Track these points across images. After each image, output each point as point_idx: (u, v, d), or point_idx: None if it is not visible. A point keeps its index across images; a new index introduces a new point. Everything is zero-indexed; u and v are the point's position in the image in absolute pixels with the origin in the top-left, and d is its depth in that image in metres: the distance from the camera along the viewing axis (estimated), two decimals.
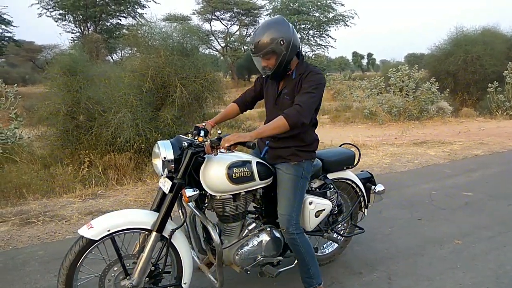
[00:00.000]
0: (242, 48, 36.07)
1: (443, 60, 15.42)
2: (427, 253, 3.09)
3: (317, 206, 2.47)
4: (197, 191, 2.07)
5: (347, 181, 2.87)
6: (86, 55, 7.68)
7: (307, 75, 2.24)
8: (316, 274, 2.40)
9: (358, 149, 2.98)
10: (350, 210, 2.90)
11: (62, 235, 3.54)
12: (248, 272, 2.35)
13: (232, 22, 34.72)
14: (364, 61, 64.89)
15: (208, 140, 2.10)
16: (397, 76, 12.76)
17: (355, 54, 63.71)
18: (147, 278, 2.07)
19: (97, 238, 1.95)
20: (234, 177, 2.15)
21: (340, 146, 3.13)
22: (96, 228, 1.95)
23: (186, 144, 2.06)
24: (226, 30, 34.97)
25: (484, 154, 6.96)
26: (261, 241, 2.36)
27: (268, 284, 2.65)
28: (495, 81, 12.92)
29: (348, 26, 32.98)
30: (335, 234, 2.79)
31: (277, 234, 2.41)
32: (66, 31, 25.66)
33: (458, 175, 5.50)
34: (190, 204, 2.24)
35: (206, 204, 2.26)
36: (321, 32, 33.86)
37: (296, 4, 31.15)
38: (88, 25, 25.54)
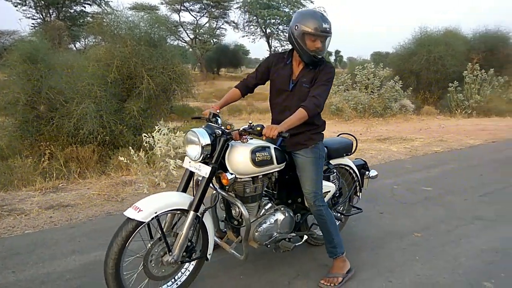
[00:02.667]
0: (212, 41, 35.69)
1: (407, 59, 15.90)
2: (388, 246, 3.20)
3: (324, 188, 2.72)
4: (234, 174, 2.31)
5: (346, 167, 3.17)
6: (47, 43, 7.34)
7: (324, 68, 2.48)
8: (339, 244, 2.65)
9: (355, 138, 3.25)
10: (349, 193, 3.22)
11: (21, 230, 3.39)
12: (268, 246, 2.61)
13: (202, 14, 34.21)
14: (332, 58, 65.91)
15: (240, 128, 2.32)
16: (363, 74, 13.05)
17: None
18: (184, 253, 2.26)
19: (146, 220, 2.07)
20: (257, 160, 2.37)
21: (338, 136, 3.31)
22: (144, 211, 2.07)
23: (219, 132, 2.25)
24: (196, 21, 34.43)
25: (443, 150, 7.27)
26: (277, 219, 2.62)
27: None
28: (455, 81, 13.49)
29: None
30: (338, 214, 3.13)
31: (290, 213, 2.69)
32: (26, 17, 24.47)
33: (418, 171, 5.72)
34: (216, 186, 2.47)
35: (228, 187, 2.42)
36: None
37: None
38: (50, 11, 24.45)
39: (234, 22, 35.06)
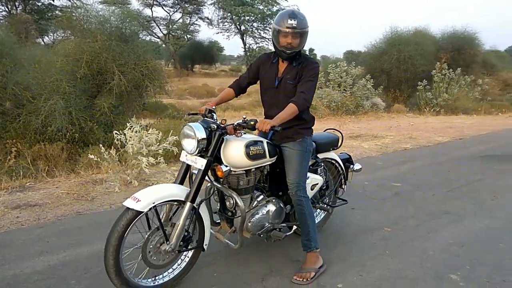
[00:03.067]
0: (185, 37, 35.28)
1: (378, 58, 16.25)
2: (359, 241, 3.26)
3: (312, 181, 2.93)
4: (228, 167, 2.42)
5: (332, 161, 3.33)
6: (13, 37, 7.07)
7: (307, 65, 2.62)
8: (315, 238, 2.73)
9: (341, 133, 3.45)
10: (335, 186, 3.38)
11: None
12: (261, 236, 2.73)
13: (175, 9, 33.76)
14: None
15: (234, 123, 2.43)
16: (336, 72, 13.24)
17: None
18: (181, 242, 2.37)
19: (145, 210, 2.16)
20: (250, 154, 2.48)
21: (324, 131, 3.44)
22: (143, 201, 2.16)
23: (215, 127, 2.36)
24: (169, 17, 33.95)
25: (413, 147, 7.48)
26: (268, 210, 2.74)
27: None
28: (424, 80, 13.90)
29: None
30: (325, 205, 3.31)
31: (281, 204, 2.82)
32: None
33: (388, 167, 5.86)
34: (211, 179, 2.55)
35: (222, 179, 2.53)
36: (265, 25, 34.10)
37: None
38: (16, 4, 23.48)
39: (208, 18, 34.81)
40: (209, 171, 2.46)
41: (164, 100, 13.19)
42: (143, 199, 2.17)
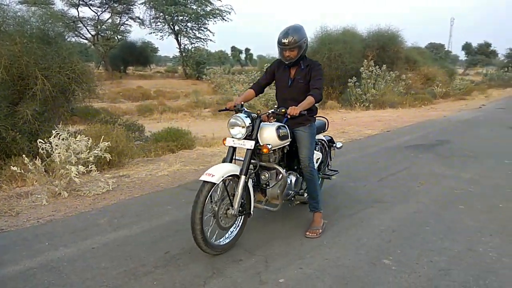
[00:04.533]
0: (116, 37, 33.79)
1: (311, 56, 16.61)
2: (298, 234, 3.34)
3: (316, 155, 3.72)
4: (271, 145, 3.11)
5: (322, 141, 4.12)
6: None
7: (313, 66, 3.38)
8: (321, 201, 3.48)
9: (327, 120, 4.19)
10: (326, 160, 4.19)
11: None
12: (288, 201, 3.46)
13: (103, 9, 32.13)
14: (243, 56, 66.93)
15: (268, 112, 3.19)
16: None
17: (233, 49, 65.22)
18: (240, 208, 3.00)
19: (218, 182, 2.76)
20: (280, 135, 3.21)
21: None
22: (216, 176, 2.76)
23: (255, 116, 3.09)
24: (97, 17, 32.24)
25: (345, 141, 7.82)
26: (291, 180, 3.44)
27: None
28: (353, 77, 14.63)
29: (225, 20, 33.54)
30: (325, 175, 4.15)
31: (298, 176, 3.55)
32: None
33: None
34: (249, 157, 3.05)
35: (257, 158, 3.24)
36: (199, 25, 33.76)
37: None
38: None
39: (139, 18, 33.59)
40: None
41: (95, 104, 12.54)
42: (215, 174, 2.76)
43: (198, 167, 5.61)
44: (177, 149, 6.96)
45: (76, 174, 4.05)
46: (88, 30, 31.95)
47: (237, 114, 3.06)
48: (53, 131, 4.45)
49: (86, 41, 32.58)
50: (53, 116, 7.32)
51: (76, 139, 4.31)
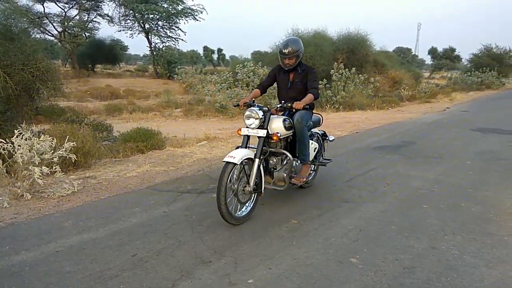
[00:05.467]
0: (84, 35, 32.79)
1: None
2: (268, 234, 3.36)
3: (313, 144, 4.44)
4: (280, 133, 3.79)
5: (317, 134, 4.75)
6: None
7: (309, 70, 4.20)
8: (308, 155, 4.18)
9: (321, 116, 4.78)
10: (321, 150, 4.86)
11: None
12: (290, 183, 4.01)
13: (70, 5, 31.07)
14: (215, 56, 66.55)
15: (277, 106, 3.98)
16: (243, 72, 13.50)
17: (206, 49, 64.72)
18: (255, 186, 3.60)
19: (238, 163, 3.38)
20: (286, 126, 3.94)
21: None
22: (236, 158, 3.37)
23: (266, 109, 3.77)
24: (64, 13, 31.15)
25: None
26: (295, 165, 4.07)
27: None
28: (324, 79, 14.84)
29: (197, 20, 33.23)
30: (320, 163, 4.82)
31: (299, 161, 4.17)
32: None
33: None
34: (262, 144, 3.69)
35: (267, 146, 3.87)
36: (170, 24, 33.29)
37: None
38: None
39: (108, 16, 32.70)
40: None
41: (61, 103, 12.15)
42: (236, 156, 3.38)
43: (168, 168, 5.53)
44: (147, 150, 6.83)
45: (39, 176, 3.90)
46: (54, 27, 30.82)
47: (252, 108, 3.72)
48: (15, 130, 4.27)
49: (52, 38, 31.44)
50: (16, 115, 7.03)
51: (40, 139, 4.16)
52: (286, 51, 4.03)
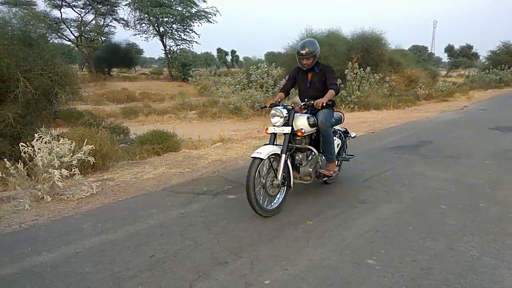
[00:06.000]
0: (100, 39, 33.36)
1: (294, 57, 16.89)
2: (284, 236, 3.36)
3: (336, 141, 4.62)
4: (304, 129, 4.00)
5: (339, 131, 4.93)
6: None
7: (327, 69, 4.37)
8: (334, 153, 4.41)
9: (342, 113, 4.99)
10: (344, 147, 5.04)
11: None
12: (316, 178, 4.28)
13: (87, 10, 31.67)
14: (229, 58, 66.89)
15: (300, 104, 4.28)
16: (257, 73, 13.50)
17: (219, 51, 65.12)
18: (282, 180, 3.80)
19: (265, 158, 3.58)
20: (310, 123, 4.13)
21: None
22: (263, 153, 3.57)
23: (290, 107, 3.99)
24: (80, 18, 31.77)
25: None
26: (318, 161, 4.26)
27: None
28: (338, 79, 14.73)
29: (211, 22, 33.47)
30: (343, 158, 5.02)
31: (323, 157, 4.35)
32: None
33: None
34: (288, 140, 3.90)
35: (293, 142, 4.10)
36: (184, 27, 33.60)
37: None
38: None
39: (123, 20, 33.24)
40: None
41: (79, 106, 12.38)
42: (263, 152, 3.57)
43: (184, 170, 5.59)
44: (163, 152, 6.91)
45: (59, 178, 4.00)
46: (71, 32, 31.49)
47: (276, 107, 3.95)
48: (35, 134, 4.38)
49: (69, 43, 32.08)
50: (36, 119, 7.21)
51: (59, 143, 4.25)
52: (303, 52, 4.22)
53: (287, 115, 3.93)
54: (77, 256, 2.96)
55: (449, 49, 56.77)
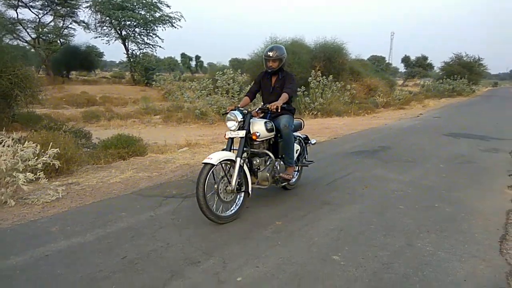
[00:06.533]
0: (59, 41, 32.16)
1: (261, 65, 17.08)
2: (254, 235, 3.48)
3: (295, 147, 4.66)
4: (259, 133, 4.02)
5: (299, 137, 4.99)
6: None
7: (288, 76, 4.48)
8: (293, 158, 4.49)
9: (303, 120, 5.19)
10: (303, 153, 5.09)
11: None
12: (273, 183, 4.28)
13: (45, 11, 30.46)
14: (193, 63, 66.46)
15: (257, 108, 4.20)
16: (223, 79, 13.60)
17: (183, 56, 64.61)
18: (237, 186, 3.76)
19: (216, 163, 3.53)
20: (268, 128, 4.17)
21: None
22: (213, 159, 3.54)
23: (246, 112, 3.99)
24: (38, 19, 30.50)
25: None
26: (277, 166, 4.33)
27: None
28: (302, 86, 15.13)
29: (174, 27, 33.18)
30: (303, 164, 5.08)
31: (281, 162, 4.44)
32: None
33: None
34: (243, 144, 3.89)
35: (249, 147, 4.08)
36: (148, 31, 33.07)
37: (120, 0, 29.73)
38: None
39: (84, 22, 32.20)
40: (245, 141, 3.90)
41: (37, 110, 11.92)
42: (213, 157, 3.55)
43: (151, 174, 5.58)
44: (128, 156, 6.83)
45: (24, 182, 3.90)
46: (28, 33, 30.12)
47: (232, 111, 3.99)
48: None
49: (26, 44, 30.68)
50: None
51: (24, 146, 4.15)
52: (271, 53, 4.35)
53: (242, 119, 3.94)
54: (47, 259, 2.92)
55: (406, 60, 59.52)
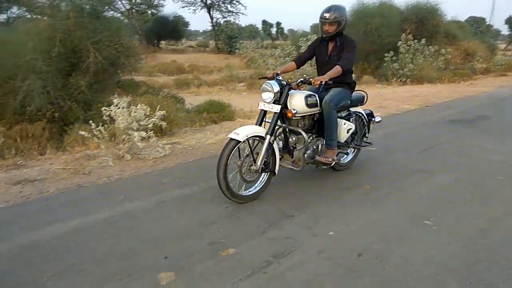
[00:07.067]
0: (150, 12, 34.13)
1: (346, 31, 16.38)
2: (343, 198, 3.60)
3: (347, 125, 3.99)
4: (296, 110, 3.44)
5: (359, 114, 4.33)
6: None
7: (347, 43, 3.79)
8: (335, 140, 3.81)
9: (366, 93, 4.37)
10: (362, 132, 4.41)
11: None
12: (312, 163, 3.78)
13: None
14: (273, 30, 66.07)
15: (297, 80, 3.54)
16: (307, 45, 13.43)
17: (264, 23, 64.43)
18: (263, 165, 3.37)
19: (241, 140, 3.13)
20: (308, 103, 3.58)
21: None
22: (240, 135, 3.14)
23: (285, 83, 3.45)
24: None
25: (384, 116, 7.88)
26: (318, 146, 3.79)
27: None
28: (390, 51, 14.36)
29: None
30: (355, 145, 4.35)
31: (324, 143, 3.82)
32: None
33: None
34: (278, 121, 3.48)
35: (287, 122, 3.61)
36: None
37: None
38: None
39: None
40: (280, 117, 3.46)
41: (135, 77, 13.02)
42: (241, 133, 3.15)
43: None
44: (219, 120, 7.30)
45: (138, 139, 4.46)
46: (123, 4, 32.39)
47: (269, 81, 3.45)
48: (114, 100, 4.83)
49: (120, 15, 33.05)
50: (103, 87, 7.78)
51: (137, 107, 4.69)
52: (327, 15, 3.66)
53: (279, 91, 3.39)
54: (162, 205, 3.39)
55: (510, 21, 52.67)
